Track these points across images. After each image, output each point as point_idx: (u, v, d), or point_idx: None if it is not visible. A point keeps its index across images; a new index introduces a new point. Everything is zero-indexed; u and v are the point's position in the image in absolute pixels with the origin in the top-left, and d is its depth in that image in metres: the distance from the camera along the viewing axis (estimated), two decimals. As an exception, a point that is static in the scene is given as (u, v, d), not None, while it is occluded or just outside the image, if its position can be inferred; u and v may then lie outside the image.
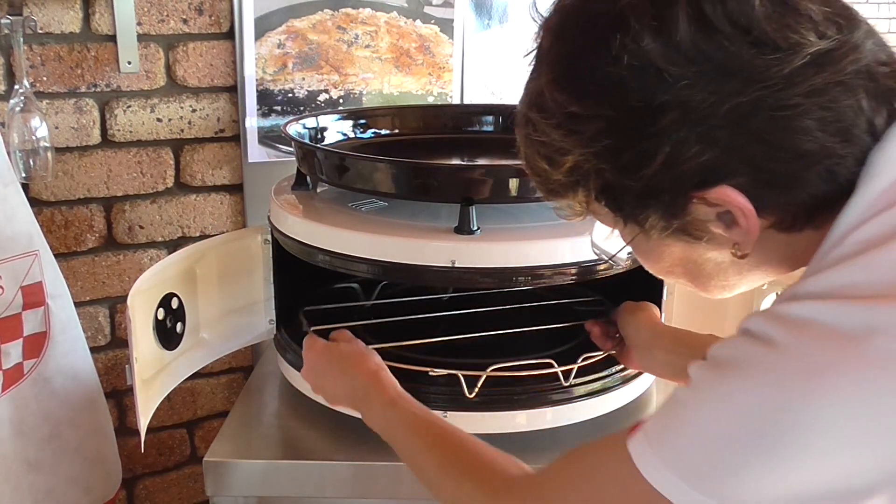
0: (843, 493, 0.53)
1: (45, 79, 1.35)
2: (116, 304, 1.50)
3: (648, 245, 0.68)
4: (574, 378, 1.13)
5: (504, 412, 1.10)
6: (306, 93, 1.52)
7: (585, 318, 1.20)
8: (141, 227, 1.48)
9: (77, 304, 1.35)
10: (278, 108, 1.50)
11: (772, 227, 0.62)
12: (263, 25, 1.45)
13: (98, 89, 1.39)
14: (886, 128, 0.59)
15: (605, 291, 1.34)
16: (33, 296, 1.24)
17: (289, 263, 1.21)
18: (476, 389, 1.07)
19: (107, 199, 1.45)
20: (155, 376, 1.12)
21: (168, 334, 1.14)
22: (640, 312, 1.13)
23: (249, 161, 1.51)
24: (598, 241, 0.75)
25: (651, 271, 0.73)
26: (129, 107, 1.42)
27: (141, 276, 1.09)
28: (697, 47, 0.57)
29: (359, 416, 0.98)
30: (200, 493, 1.64)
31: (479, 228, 1.04)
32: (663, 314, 1.25)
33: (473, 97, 1.65)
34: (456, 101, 1.64)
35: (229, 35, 1.46)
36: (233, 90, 1.48)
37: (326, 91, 1.53)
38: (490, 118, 1.47)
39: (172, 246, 1.51)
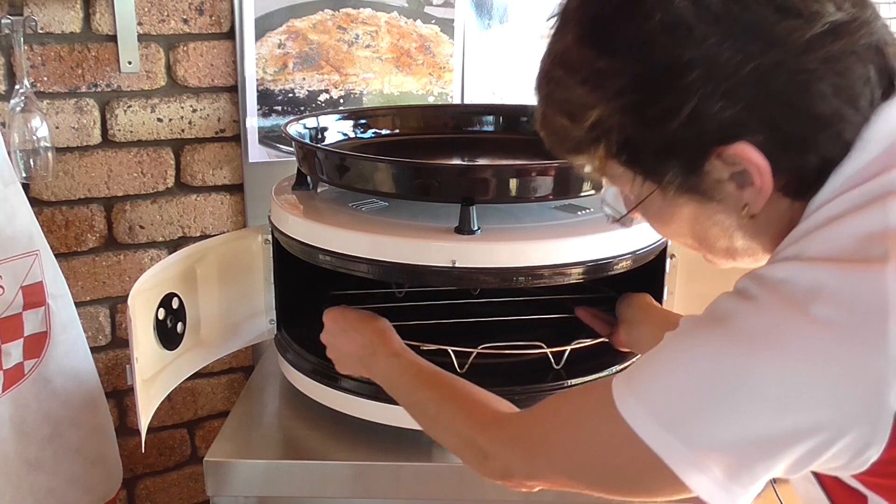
0: (787, 435, 0.59)
1: (45, 79, 1.35)
2: (117, 304, 1.50)
3: (660, 205, 0.69)
4: (574, 378, 1.13)
5: (504, 412, 1.10)
6: (307, 93, 1.52)
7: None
8: (141, 227, 1.48)
9: (78, 304, 1.35)
10: (279, 108, 1.50)
11: (780, 191, 0.64)
12: (264, 25, 1.45)
13: (98, 89, 1.39)
14: (881, 103, 0.63)
15: (609, 297, 1.34)
16: (34, 296, 1.24)
17: (289, 263, 1.21)
18: (466, 366, 1.10)
19: (107, 199, 1.45)
20: (155, 376, 1.12)
21: (168, 334, 1.14)
22: (636, 297, 1.18)
23: (250, 161, 1.51)
24: (610, 200, 0.76)
25: (659, 234, 0.76)
26: (130, 107, 1.42)
27: (141, 276, 1.09)
28: (727, 8, 0.60)
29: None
30: (201, 493, 1.64)
31: (479, 228, 1.04)
32: (664, 314, 1.25)
33: (474, 97, 1.65)
34: (456, 101, 1.64)
35: (230, 35, 1.46)
36: (233, 90, 1.49)
37: (327, 91, 1.53)
38: (490, 118, 1.47)
39: (173, 246, 1.51)
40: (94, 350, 1.38)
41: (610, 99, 0.65)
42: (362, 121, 1.40)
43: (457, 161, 1.37)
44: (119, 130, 1.43)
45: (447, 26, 1.59)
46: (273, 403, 1.30)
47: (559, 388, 1.12)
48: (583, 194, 1.11)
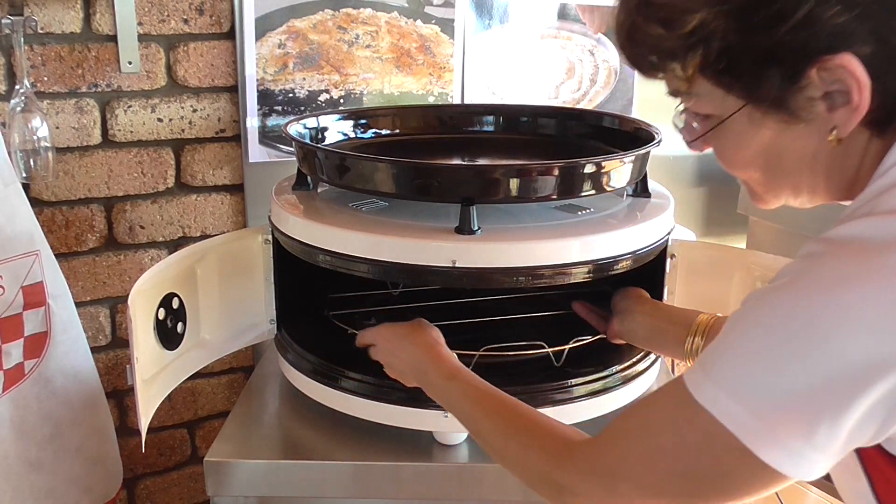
0: (863, 370, 0.57)
1: (45, 79, 1.35)
2: (117, 304, 1.50)
3: (742, 127, 0.69)
4: (575, 377, 1.13)
5: (504, 412, 1.10)
6: (307, 93, 1.52)
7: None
8: (142, 227, 1.48)
9: (78, 304, 1.35)
10: (279, 108, 1.50)
11: (865, 121, 0.64)
12: (264, 25, 1.45)
13: (99, 89, 1.39)
14: None
15: (605, 292, 1.34)
16: (34, 296, 1.24)
17: (289, 263, 1.21)
18: (469, 367, 1.09)
19: (107, 199, 1.45)
20: (156, 376, 1.12)
21: (169, 334, 1.14)
22: (629, 288, 1.19)
23: (250, 161, 1.51)
24: (682, 122, 0.75)
25: (727, 163, 0.74)
26: (130, 107, 1.42)
27: (142, 276, 1.09)
28: None
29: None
30: (201, 493, 1.64)
31: (479, 228, 1.04)
32: (664, 314, 1.25)
33: (474, 97, 1.65)
34: (456, 101, 1.64)
35: (230, 35, 1.46)
36: (233, 90, 1.49)
37: (327, 91, 1.53)
38: (491, 118, 1.47)
39: (173, 246, 1.51)
40: (94, 350, 1.38)
41: (716, 2, 0.64)
42: (362, 121, 1.40)
43: (457, 161, 1.37)
44: (119, 130, 1.43)
45: (447, 26, 1.59)
46: (273, 403, 1.30)
47: (561, 387, 1.12)
48: (583, 194, 1.11)
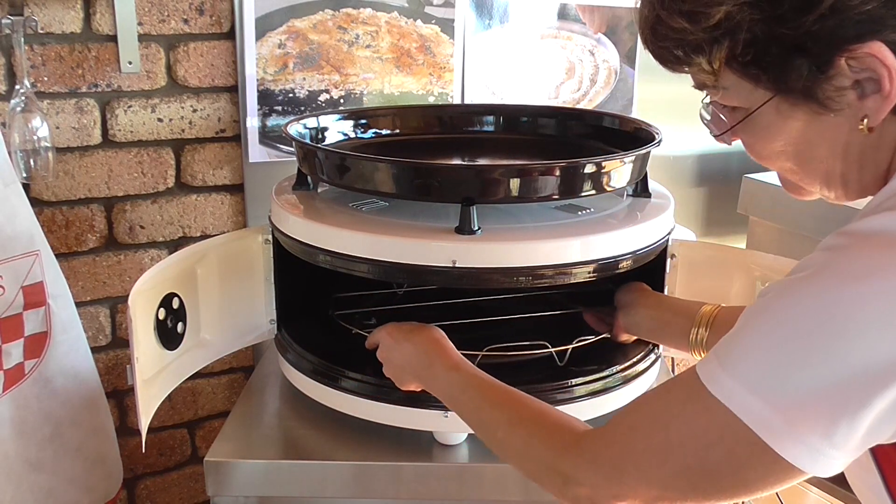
0: (882, 367, 0.57)
1: (46, 79, 1.35)
2: (117, 304, 1.50)
3: (770, 119, 0.68)
4: (575, 377, 1.13)
5: (505, 412, 1.10)
6: (307, 93, 1.52)
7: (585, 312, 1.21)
8: (142, 227, 1.48)
9: (78, 304, 1.35)
10: (279, 108, 1.50)
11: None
12: (264, 25, 1.45)
13: (99, 89, 1.39)
14: None
15: (606, 291, 1.34)
16: (34, 296, 1.24)
17: (289, 263, 1.21)
18: None
19: (108, 199, 1.45)
20: (156, 376, 1.12)
21: (169, 334, 1.14)
22: (632, 283, 1.20)
23: (250, 161, 1.51)
24: (710, 115, 0.74)
25: (757, 155, 0.73)
26: (130, 107, 1.42)
27: (142, 276, 1.09)
28: None
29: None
30: (201, 493, 1.64)
31: (479, 228, 1.04)
32: (664, 314, 1.25)
33: (474, 97, 1.65)
34: (457, 101, 1.64)
35: (230, 35, 1.46)
36: (233, 90, 1.49)
37: (327, 91, 1.53)
38: (491, 118, 1.47)
39: (173, 246, 1.51)
40: (94, 350, 1.38)
41: None
42: (362, 121, 1.40)
43: (457, 161, 1.37)
44: (119, 130, 1.43)
45: (447, 26, 1.59)
46: (273, 403, 1.30)
47: (562, 387, 1.12)
48: (583, 194, 1.11)
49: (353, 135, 1.38)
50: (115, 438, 1.39)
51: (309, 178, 1.23)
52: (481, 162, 1.37)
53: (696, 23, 0.66)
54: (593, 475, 0.72)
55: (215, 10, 1.44)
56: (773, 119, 0.68)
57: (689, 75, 0.72)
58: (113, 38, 1.38)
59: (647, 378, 1.22)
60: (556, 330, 1.22)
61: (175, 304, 1.14)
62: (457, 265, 1.03)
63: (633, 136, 1.29)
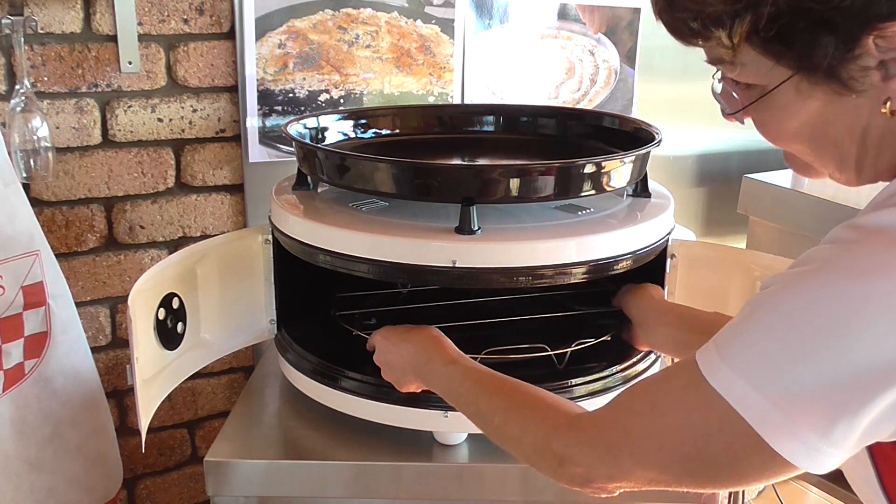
0: (885, 366, 0.56)
1: (45, 79, 1.35)
2: (117, 304, 1.50)
3: (788, 98, 0.66)
4: (575, 377, 1.13)
5: (505, 412, 1.10)
6: (307, 93, 1.52)
7: (587, 314, 1.21)
8: (142, 227, 1.48)
9: (78, 304, 1.35)
10: (279, 108, 1.50)
11: None
12: (264, 25, 1.45)
13: (99, 89, 1.39)
14: None
15: (605, 292, 1.34)
16: (34, 296, 1.24)
17: (289, 263, 1.21)
18: None
19: (107, 199, 1.45)
20: (156, 376, 1.12)
21: (169, 334, 1.14)
22: (642, 293, 1.18)
23: (250, 161, 1.51)
24: (722, 93, 0.72)
25: (769, 135, 0.71)
26: (130, 107, 1.42)
27: (142, 276, 1.09)
28: None
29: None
30: (201, 493, 1.64)
31: (479, 228, 1.04)
32: (664, 314, 1.25)
33: (474, 97, 1.65)
34: (457, 101, 1.64)
35: (230, 35, 1.46)
36: (233, 90, 1.49)
37: (327, 91, 1.53)
38: (491, 118, 1.47)
39: (173, 246, 1.51)
40: (94, 350, 1.38)
41: None
42: (362, 121, 1.40)
43: (457, 161, 1.37)
44: (119, 130, 1.43)
45: (447, 26, 1.59)
46: (273, 403, 1.30)
47: (561, 388, 1.12)
48: (583, 194, 1.11)
49: (353, 135, 1.38)
50: (115, 438, 1.39)
51: (309, 178, 1.23)
52: (481, 162, 1.37)
53: None
54: (588, 455, 0.72)
55: (215, 10, 1.44)
56: (792, 98, 0.66)
57: (689, 62, 0.71)
58: (113, 38, 1.38)
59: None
60: (557, 331, 1.22)
61: (175, 304, 1.14)
62: (457, 265, 1.03)
63: (633, 136, 1.29)
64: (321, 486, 1.13)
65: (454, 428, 1.13)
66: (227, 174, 1.52)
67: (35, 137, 1.27)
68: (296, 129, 1.26)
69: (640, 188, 1.24)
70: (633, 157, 1.14)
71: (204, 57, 1.45)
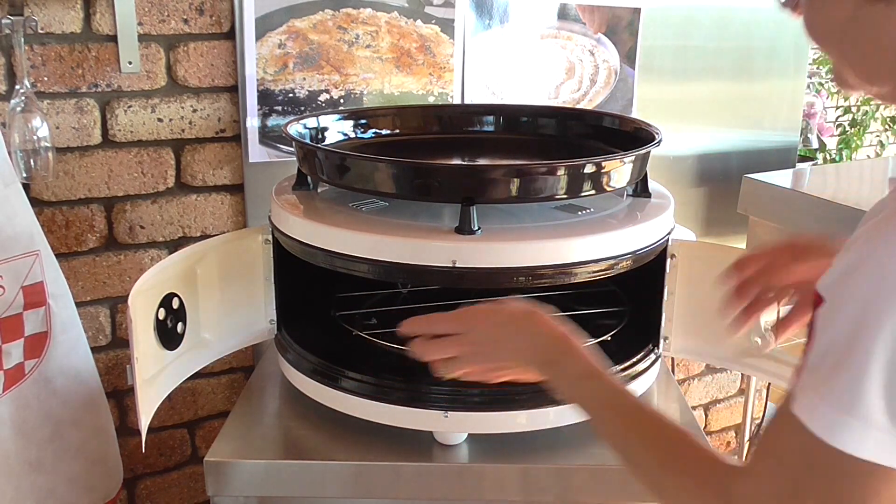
0: None
1: (46, 79, 1.35)
2: (117, 304, 1.50)
3: None
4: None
5: (505, 412, 1.11)
6: (307, 93, 1.52)
7: (587, 314, 1.20)
8: (142, 227, 1.48)
9: (78, 304, 1.35)
10: (279, 108, 1.50)
11: None
12: (264, 25, 1.45)
13: (99, 89, 1.39)
14: None
15: (605, 291, 1.34)
16: (34, 296, 1.24)
17: (289, 263, 1.21)
18: None
19: (108, 199, 1.45)
20: (156, 376, 1.12)
21: (169, 334, 1.14)
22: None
23: (250, 161, 1.51)
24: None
25: (815, 35, 0.69)
26: (130, 107, 1.42)
27: (142, 276, 1.09)
28: None
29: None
30: (201, 493, 1.64)
31: (479, 228, 1.04)
32: (663, 314, 1.25)
33: (474, 97, 1.65)
34: (457, 101, 1.64)
35: (230, 35, 1.46)
36: (233, 90, 1.49)
37: (327, 91, 1.53)
38: (491, 118, 1.47)
39: (173, 246, 1.51)
40: (94, 350, 1.38)
41: None
42: (362, 121, 1.40)
43: (457, 161, 1.37)
44: (119, 130, 1.43)
45: (447, 26, 1.59)
46: (273, 403, 1.30)
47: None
48: (583, 194, 1.11)
49: (353, 135, 1.38)
50: (115, 438, 1.39)
51: (309, 178, 1.23)
52: (481, 162, 1.37)
53: None
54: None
55: (215, 10, 1.44)
56: None
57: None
58: (113, 38, 1.38)
59: (647, 378, 1.22)
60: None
61: (175, 304, 1.14)
62: (457, 265, 1.03)
63: (633, 136, 1.29)
64: (321, 486, 1.13)
65: (454, 428, 1.13)
66: (227, 174, 1.52)
67: (35, 137, 1.27)
68: (296, 129, 1.26)
69: (640, 188, 1.24)
70: (633, 157, 1.14)
71: (204, 57, 1.45)
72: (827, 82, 2.65)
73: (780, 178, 1.78)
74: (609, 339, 1.22)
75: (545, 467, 1.11)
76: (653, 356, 1.24)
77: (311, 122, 1.32)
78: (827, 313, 0.60)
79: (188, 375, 1.22)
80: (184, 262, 1.18)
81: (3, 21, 1.25)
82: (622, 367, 1.18)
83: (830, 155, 2.77)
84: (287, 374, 1.24)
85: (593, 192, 1.11)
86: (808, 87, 2.32)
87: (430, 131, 1.45)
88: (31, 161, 1.28)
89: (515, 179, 1.07)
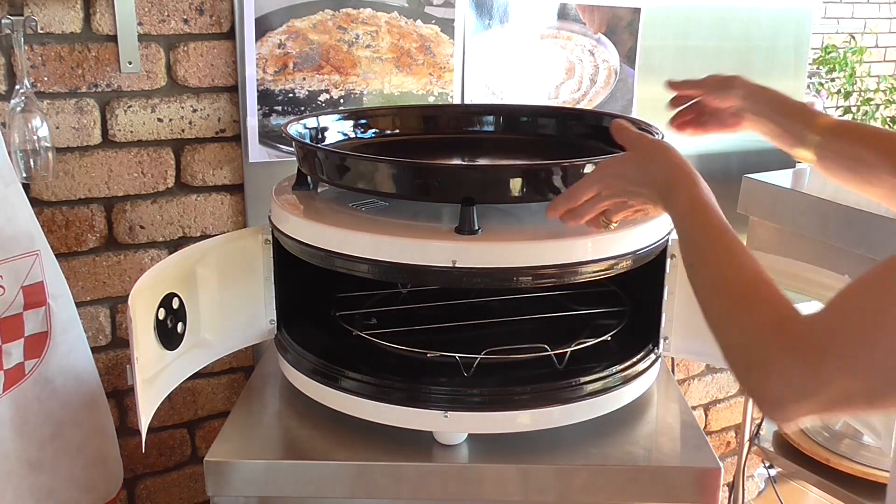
0: None
1: (45, 79, 1.35)
2: (117, 304, 1.50)
3: None
4: (575, 377, 1.13)
5: (505, 412, 1.11)
6: (307, 93, 1.52)
7: (587, 314, 1.21)
8: (142, 227, 1.48)
9: (78, 304, 1.35)
10: (279, 108, 1.50)
11: None
12: (264, 25, 1.45)
13: (99, 89, 1.39)
14: None
15: (606, 291, 1.34)
16: (34, 296, 1.24)
17: (289, 263, 1.21)
18: (472, 370, 1.11)
19: (107, 199, 1.45)
20: (156, 376, 1.12)
21: (169, 334, 1.14)
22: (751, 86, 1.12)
23: (250, 161, 1.51)
24: None
25: None
26: (130, 107, 1.42)
27: (142, 276, 1.09)
28: None
29: None
30: (201, 494, 1.64)
31: (479, 228, 1.04)
32: (663, 314, 1.25)
33: (474, 97, 1.65)
34: (457, 101, 1.64)
35: (230, 35, 1.46)
36: (233, 90, 1.49)
37: (327, 91, 1.53)
38: (491, 118, 1.47)
39: (173, 246, 1.51)
40: (94, 350, 1.38)
41: None
42: (362, 121, 1.40)
43: (457, 161, 1.37)
44: (119, 130, 1.43)
45: (447, 26, 1.59)
46: (273, 403, 1.30)
47: (561, 387, 1.12)
48: (583, 194, 1.11)
49: (353, 135, 1.38)
50: (116, 438, 1.39)
51: (309, 178, 1.23)
52: (481, 162, 1.37)
53: None
54: (791, 360, 0.67)
55: (215, 10, 1.44)
56: None
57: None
58: (113, 38, 1.38)
59: (647, 378, 1.22)
60: (557, 331, 1.22)
61: (175, 304, 1.14)
62: (457, 265, 1.03)
63: (633, 136, 1.28)
64: (321, 486, 1.13)
65: (454, 428, 1.13)
66: (227, 174, 1.52)
67: (35, 137, 1.27)
68: (296, 129, 1.26)
69: (640, 188, 1.23)
70: (633, 157, 1.14)
71: (204, 57, 1.45)
72: (827, 82, 2.65)
73: (780, 178, 1.78)
74: (609, 339, 1.22)
75: (545, 467, 1.11)
76: (653, 356, 1.24)
77: (311, 122, 1.32)
78: None
79: (188, 375, 1.22)
80: (184, 262, 1.18)
81: (3, 21, 1.25)
82: (622, 367, 1.18)
83: (830, 155, 2.76)
84: (287, 374, 1.24)
85: (593, 192, 1.11)
86: (808, 87, 2.32)
87: (430, 131, 1.45)
88: (31, 161, 1.28)
89: (515, 179, 1.07)
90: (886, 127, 3.14)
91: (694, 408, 2.15)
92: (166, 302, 1.13)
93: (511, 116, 1.47)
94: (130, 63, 1.39)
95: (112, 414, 1.41)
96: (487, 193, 1.07)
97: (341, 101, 1.55)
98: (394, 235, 1.05)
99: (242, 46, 1.45)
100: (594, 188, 0.99)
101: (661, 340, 1.26)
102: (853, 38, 3.47)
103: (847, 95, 3.32)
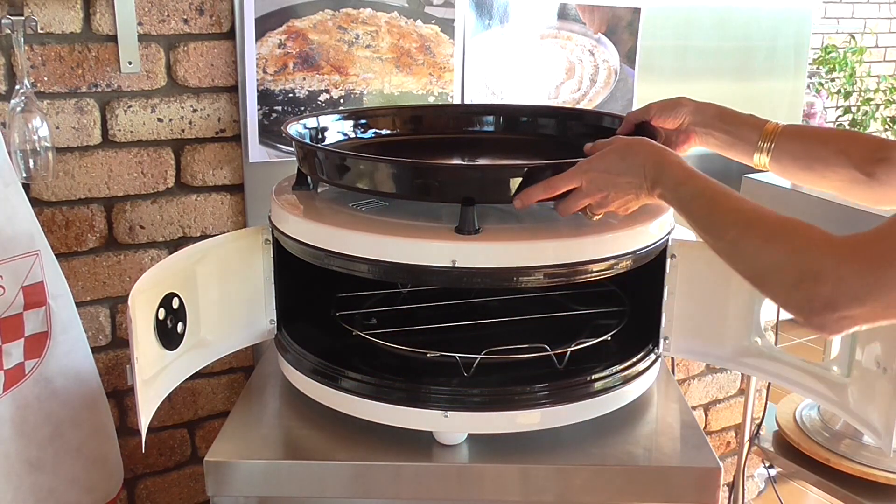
0: None
1: (45, 79, 1.35)
2: (117, 304, 1.50)
3: None
4: (575, 377, 1.13)
5: (505, 412, 1.11)
6: (307, 93, 1.52)
7: (587, 314, 1.20)
8: (142, 227, 1.48)
9: (78, 304, 1.35)
10: (279, 108, 1.50)
11: None
12: (264, 25, 1.45)
13: (99, 89, 1.39)
14: None
15: (605, 291, 1.34)
16: (34, 296, 1.24)
17: (289, 263, 1.21)
18: (472, 370, 1.11)
19: (107, 199, 1.45)
20: (156, 376, 1.12)
21: (169, 334, 1.14)
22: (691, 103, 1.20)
23: (250, 161, 1.51)
24: None
25: None
26: (130, 107, 1.42)
27: (142, 276, 1.09)
28: None
29: None
30: (201, 493, 1.64)
31: (479, 228, 1.04)
32: (664, 314, 1.25)
33: (474, 97, 1.65)
34: (457, 101, 1.64)
35: (230, 35, 1.46)
36: (233, 90, 1.49)
37: (327, 91, 1.53)
38: (491, 118, 1.47)
39: (173, 246, 1.51)
40: (94, 350, 1.38)
41: None
42: (362, 121, 1.40)
43: (457, 161, 1.37)
44: (119, 130, 1.43)
45: (447, 26, 1.59)
46: (273, 403, 1.30)
47: (563, 387, 1.12)
48: (583, 194, 1.11)
49: (353, 135, 1.38)
50: (116, 438, 1.39)
51: (309, 178, 1.23)
52: (481, 162, 1.37)
53: None
54: (844, 269, 0.67)
55: (215, 10, 1.44)
56: None
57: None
58: (113, 38, 1.38)
59: (647, 378, 1.22)
60: (557, 331, 1.22)
61: (175, 304, 1.14)
62: (457, 265, 1.03)
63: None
64: (321, 486, 1.13)
65: (454, 428, 1.13)
66: (227, 174, 1.53)
67: (35, 137, 1.27)
68: (296, 129, 1.26)
69: (640, 188, 1.23)
70: (633, 157, 1.14)
71: (204, 57, 1.45)
72: (827, 82, 2.65)
73: (780, 178, 1.78)
74: (609, 339, 1.22)
75: (545, 467, 1.11)
76: (653, 356, 1.24)
77: (311, 122, 1.32)
78: None
79: (188, 375, 1.21)
80: (184, 262, 1.18)
81: (3, 21, 1.25)
82: (622, 367, 1.18)
83: (830, 155, 2.77)
84: (287, 374, 1.24)
85: (593, 192, 1.11)
86: (808, 87, 2.32)
87: (431, 131, 1.45)
88: (31, 161, 1.28)
89: (515, 179, 1.07)
90: (886, 127, 3.14)
91: (694, 408, 2.15)
92: (166, 302, 1.13)
93: (511, 116, 1.47)
94: (130, 63, 1.39)
95: (112, 414, 1.41)
96: (487, 193, 1.07)
97: (341, 101, 1.55)
98: (394, 235, 1.05)
99: (242, 46, 1.45)
100: (575, 181, 1.03)
101: (661, 340, 1.26)
102: (853, 38, 3.47)
103: (847, 95, 3.32)
